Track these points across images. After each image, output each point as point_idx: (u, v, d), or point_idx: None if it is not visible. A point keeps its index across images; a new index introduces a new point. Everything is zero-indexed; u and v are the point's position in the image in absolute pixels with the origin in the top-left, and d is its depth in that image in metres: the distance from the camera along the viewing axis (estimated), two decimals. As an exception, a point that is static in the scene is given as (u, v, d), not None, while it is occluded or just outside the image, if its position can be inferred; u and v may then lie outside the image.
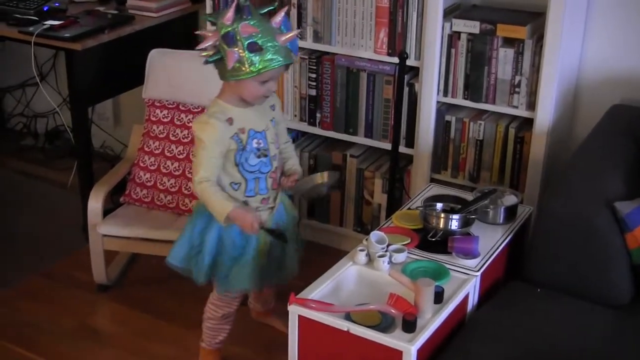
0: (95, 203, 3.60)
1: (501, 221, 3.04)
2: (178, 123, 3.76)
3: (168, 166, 3.74)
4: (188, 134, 3.73)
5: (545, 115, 3.37)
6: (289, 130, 3.93)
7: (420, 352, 2.46)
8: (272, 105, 3.04)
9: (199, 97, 3.81)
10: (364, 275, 2.79)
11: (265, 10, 2.85)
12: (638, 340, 2.68)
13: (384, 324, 2.55)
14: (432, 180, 3.68)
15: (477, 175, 3.63)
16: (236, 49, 2.75)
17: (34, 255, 4.06)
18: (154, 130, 3.79)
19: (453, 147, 3.64)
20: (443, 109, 3.63)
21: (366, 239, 2.86)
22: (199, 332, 3.50)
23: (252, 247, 2.99)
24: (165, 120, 3.78)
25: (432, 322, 2.53)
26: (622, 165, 3.08)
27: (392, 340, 2.45)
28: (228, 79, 2.84)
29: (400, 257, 2.79)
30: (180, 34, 4.27)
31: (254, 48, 2.73)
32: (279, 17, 2.83)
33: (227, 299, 3.16)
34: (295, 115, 3.96)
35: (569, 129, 3.67)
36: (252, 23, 2.75)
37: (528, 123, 3.48)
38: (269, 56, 2.76)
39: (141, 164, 3.79)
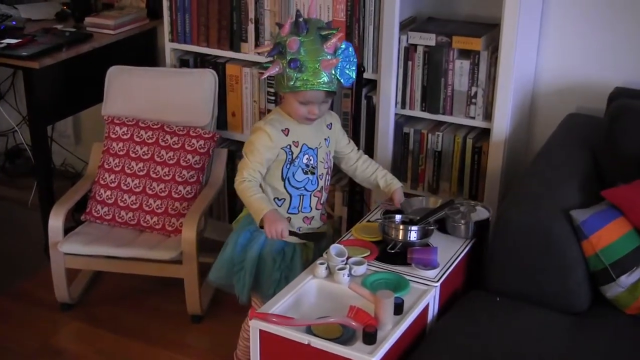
0: (55, 221, 3.59)
1: (471, 235, 3.06)
2: (138, 140, 3.77)
3: (128, 183, 3.74)
4: (148, 151, 3.74)
5: (501, 125, 3.41)
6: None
7: (380, 364, 2.48)
8: (330, 124, 3.06)
9: (158, 113, 3.84)
10: (324, 288, 2.79)
11: (327, 32, 2.83)
12: (596, 346, 2.70)
13: (345, 337, 2.55)
14: (392, 192, 3.71)
15: (436, 186, 3.66)
16: (281, 61, 2.80)
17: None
18: (114, 147, 3.79)
19: (412, 158, 3.67)
20: (401, 121, 3.65)
21: (326, 252, 2.87)
22: (163, 350, 3.52)
23: (297, 266, 3.00)
24: (124, 137, 3.78)
25: (392, 333, 2.54)
26: (578, 173, 3.12)
27: (352, 352, 2.45)
28: (275, 88, 2.90)
29: (360, 270, 2.80)
30: (139, 50, 4.27)
31: (293, 65, 2.77)
32: (331, 42, 2.81)
33: None
34: (256, 130, 3.97)
35: (525, 139, 3.71)
36: (302, 40, 2.78)
37: (485, 133, 3.51)
38: (306, 77, 2.79)
39: (101, 182, 3.78)
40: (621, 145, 3.08)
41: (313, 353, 2.50)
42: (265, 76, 2.89)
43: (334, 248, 2.84)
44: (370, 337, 2.49)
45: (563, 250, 2.84)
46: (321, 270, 2.80)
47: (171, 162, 3.71)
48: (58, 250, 3.58)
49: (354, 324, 2.54)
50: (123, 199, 3.74)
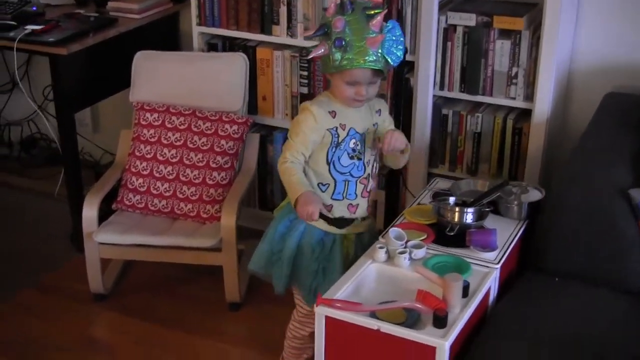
0: (90, 211, 3.51)
1: (524, 216, 3.01)
2: (169, 126, 3.69)
3: (161, 170, 3.67)
4: (180, 137, 3.66)
5: (543, 105, 3.37)
6: (280, 129, 3.90)
7: (451, 347, 2.42)
8: (379, 110, 2.94)
9: (188, 98, 3.77)
10: (383, 272, 2.73)
11: (373, 11, 2.73)
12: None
13: (410, 321, 2.50)
14: (430, 174, 3.67)
15: (475, 168, 3.62)
16: (327, 42, 2.71)
17: (25, 269, 3.94)
18: (145, 134, 3.71)
19: (450, 140, 3.62)
20: (439, 103, 3.60)
21: (383, 236, 2.82)
22: (202, 338, 3.46)
23: (337, 257, 2.89)
24: (156, 123, 3.70)
25: (461, 316, 2.50)
26: (627, 153, 3.06)
27: (424, 336, 2.40)
28: (323, 71, 2.84)
29: (419, 253, 2.75)
30: (162, 35, 4.19)
31: (338, 44, 2.68)
32: (376, 20, 2.70)
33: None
34: (287, 114, 3.91)
35: (563, 119, 3.67)
36: (347, 19, 2.69)
37: (525, 114, 3.48)
38: (351, 55, 2.69)
39: (133, 170, 3.70)
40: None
41: (382, 338, 2.46)
42: (311, 56, 2.80)
43: (393, 231, 2.79)
44: (441, 321, 2.44)
45: (622, 229, 2.80)
46: (381, 254, 2.74)
47: (205, 148, 3.64)
48: (93, 240, 3.50)
49: (423, 307, 2.49)
50: (156, 187, 3.66)
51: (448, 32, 3.46)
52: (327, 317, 2.53)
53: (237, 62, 3.77)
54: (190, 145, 3.65)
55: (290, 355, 3.13)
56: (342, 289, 2.62)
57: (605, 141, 3.14)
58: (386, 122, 3.00)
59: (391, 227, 2.90)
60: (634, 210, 2.82)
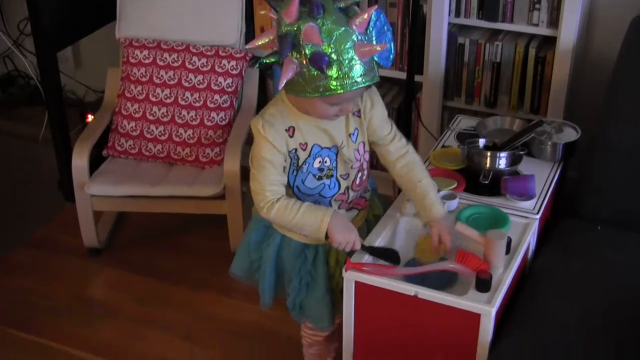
0: (80, 161, 3.23)
1: (559, 157, 2.76)
2: (161, 64, 3.39)
3: (155, 112, 3.38)
4: (174, 75, 3.37)
5: (569, 32, 3.11)
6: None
7: (496, 313, 2.20)
8: (357, 111, 2.31)
9: (181, 32, 3.49)
10: (414, 226, 2.47)
11: (347, 3, 2.07)
12: None
13: (446, 277, 2.29)
14: (445, 107, 3.42)
15: (494, 100, 3.37)
16: (296, 58, 2.04)
17: (13, 221, 3.67)
18: (135, 73, 3.41)
19: (467, 71, 3.37)
20: (455, 31, 3.33)
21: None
22: (206, 293, 3.24)
23: (320, 272, 2.43)
24: (146, 61, 3.40)
25: (505, 277, 2.27)
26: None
27: (468, 302, 2.18)
28: (287, 91, 2.17)
29: (452, 205, 2.50)
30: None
31: (319, 61, 2.01)
32: (361, 18, 2.05)
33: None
34: (287, 46, 3.61)
35: (586, 46, 3.40)
36: (322, 25, 2.01)
37: (549, 42, 3.23)
38: (339, 74, 2.03)
39: (123, 112, 3.41)
40: None
41: (419, 305, 2.23)
42: (282, 85, 2.06)
43: (422, 182, 2.52)
44: (485, 284, 2.21)
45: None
46: (409, 207, 2.48)
47: (201, 86, 3.35)
48: (85, 192, 3.23)
49: (463, 269, 2.25)
50: (150, 130, 3.38)
51: (465, -46, 3.18)
52: (357, 283, 2.30)
53: (233, -10, 3.46)
54: (185, 84, 3.36)
55: None
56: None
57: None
58: (376, 122, 2.34)
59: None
60: (681, 150, 2.59)
